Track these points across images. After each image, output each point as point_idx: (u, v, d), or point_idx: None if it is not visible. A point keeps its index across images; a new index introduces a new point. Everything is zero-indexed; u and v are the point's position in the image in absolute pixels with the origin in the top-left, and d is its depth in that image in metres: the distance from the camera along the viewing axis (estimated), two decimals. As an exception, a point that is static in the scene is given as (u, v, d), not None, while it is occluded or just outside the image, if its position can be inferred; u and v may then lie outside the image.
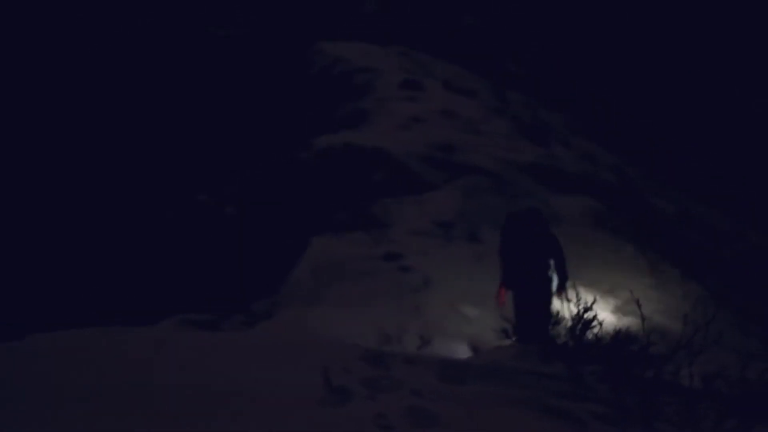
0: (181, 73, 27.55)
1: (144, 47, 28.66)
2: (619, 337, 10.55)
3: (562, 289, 10.98)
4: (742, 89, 29.15)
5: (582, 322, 10.55)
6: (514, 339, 11.04)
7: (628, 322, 11.80)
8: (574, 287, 10.91)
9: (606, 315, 12.57)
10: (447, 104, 22.59)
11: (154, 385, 6.35)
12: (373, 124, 21.06)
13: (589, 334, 10.48)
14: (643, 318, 9.10)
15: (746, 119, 28.08)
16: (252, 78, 27.17)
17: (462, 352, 11.85)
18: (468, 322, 12.70)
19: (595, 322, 10.53)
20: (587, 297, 10.69)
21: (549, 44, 31.13)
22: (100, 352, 7.06)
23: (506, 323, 11.23)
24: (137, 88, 26.70)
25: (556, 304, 11.14)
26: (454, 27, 30.92)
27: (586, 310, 10.63)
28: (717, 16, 30.68)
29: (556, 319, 11.04)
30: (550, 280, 10.95)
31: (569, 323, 10.58)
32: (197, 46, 29.15)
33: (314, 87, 25.19)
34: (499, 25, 31.53)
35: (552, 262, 10.91)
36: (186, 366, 6.80)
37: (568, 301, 10.94)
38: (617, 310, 13.31)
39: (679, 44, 30.27)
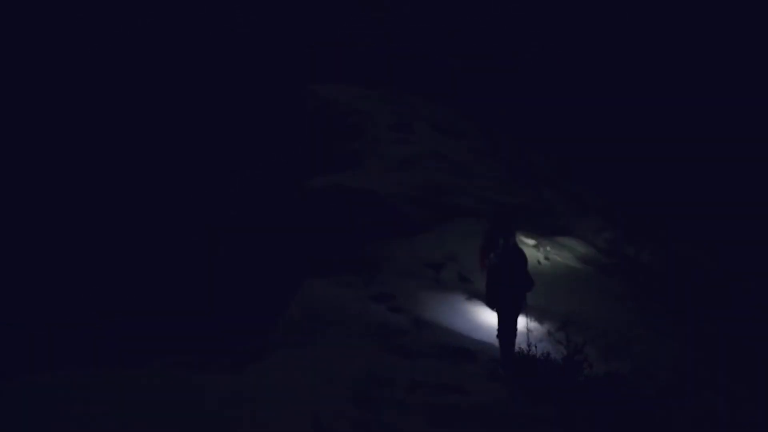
0: (171, 119, 27.74)
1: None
2: (610, 379, 10.59)
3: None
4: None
5: (572, 364, 10.59)
6: (503, 372, 11.17)
7: (617, 365, 11.83)
8: (565, 329, 10.97)
9: (596, 356, 12.60)
10: (437, 146, 22.76)
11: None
12: (365, 166, 21.19)
13: (579, 377, 10.53)
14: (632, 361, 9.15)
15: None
16: (243, 119, 27.36)
17: (451, 393, 11.83)
18: (457, 363, 12.70)
19: (585, 365, 10.59)
20: (578, 339, 10.74)
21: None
22: (98, 396, 7.06)
23: (495, 364, 11.26)
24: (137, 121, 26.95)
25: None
26: (446, 67, 31.20)
27: (577, 351, 10.69)
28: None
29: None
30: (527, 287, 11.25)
31: (560, 364, 10.62)
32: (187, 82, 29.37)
33: (306, 129, 25.39)
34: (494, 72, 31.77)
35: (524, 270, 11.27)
36: (179, 411, 6.81)
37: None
38: (607, 351, 13.34)
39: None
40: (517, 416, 8.37)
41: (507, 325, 11.31)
